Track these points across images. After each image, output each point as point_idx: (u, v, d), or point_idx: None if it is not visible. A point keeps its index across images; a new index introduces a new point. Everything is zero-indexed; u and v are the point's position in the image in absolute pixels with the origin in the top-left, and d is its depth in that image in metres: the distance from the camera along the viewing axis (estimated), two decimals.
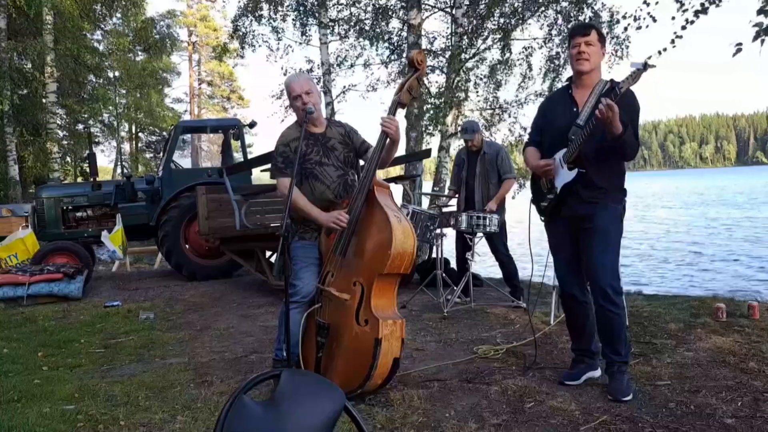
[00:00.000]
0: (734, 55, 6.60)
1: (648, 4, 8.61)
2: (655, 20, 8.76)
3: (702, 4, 7.69)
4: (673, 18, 7.80)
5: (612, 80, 3.56)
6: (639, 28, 9.24)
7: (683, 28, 7.76)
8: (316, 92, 3.93)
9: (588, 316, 3.90)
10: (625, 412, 3.37)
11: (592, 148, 3.51)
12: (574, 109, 3.65)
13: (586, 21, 11.45)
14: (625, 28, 11.45)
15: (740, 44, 6.55)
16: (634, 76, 3.22)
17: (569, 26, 11.64)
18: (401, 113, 3.81)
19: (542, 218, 3.97)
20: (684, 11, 7.77)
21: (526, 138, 13.16)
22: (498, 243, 6.55)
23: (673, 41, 8.01)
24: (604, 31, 11.76)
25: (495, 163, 6.53)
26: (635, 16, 9.13)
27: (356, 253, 3.71)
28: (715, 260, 15.86)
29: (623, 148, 3.45)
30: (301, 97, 3.83)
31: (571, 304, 3.94)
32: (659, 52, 8.01)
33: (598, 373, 3.93)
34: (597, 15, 11.66)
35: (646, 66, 3.21)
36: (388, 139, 3.68)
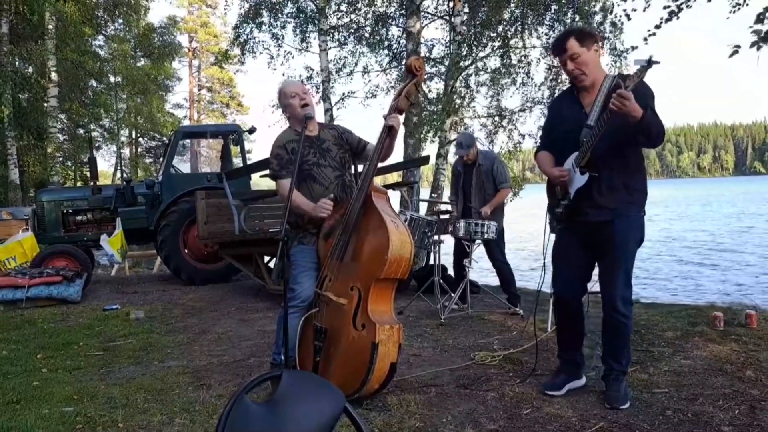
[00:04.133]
0: (730, 56, 6.66)
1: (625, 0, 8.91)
2: (629, 18, 9.12)
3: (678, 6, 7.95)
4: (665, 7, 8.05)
5: (620, 74, 3.43)
6: (614, 24, 9.55)
7: (657, 27, 8.09)
8: (310, 94, 3.99)
9: (577, 327, 3.88)
10: (622, 419, 3.38)
11: (605, 148, 3.39)
12: (582, 111, 3.55)
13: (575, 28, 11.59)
14: (601, 23, 11.60)
15: (738, 46, 6.60)
16: (639, 74, 3.11)
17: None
18: (400, 118, 3.83)
19: (556, 224, 3.88)
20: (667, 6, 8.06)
21: (523, 145, 13.23)
22: (495, 250, 6.58)
23: (645, 39, 8.38)
24: (607, 43, 11.87)
25: (491, 173, 6.56)
26: (611, 10, 9.50)
27: (354, 257, 3.73)
28: None
29: (649, 132, 3.27)
30: (298, 94, 3.88)
31: (565, 313, 3.88)
32: (631, 48, 9.13)
33: (582, 382, 3.90)
34: (588, 23, 11.74)
35: (650, 62, 3.09)
36: (389, 137, 3.72)
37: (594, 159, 3.43)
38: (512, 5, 12.03)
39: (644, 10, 8.72)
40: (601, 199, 3.52)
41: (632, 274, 3.64)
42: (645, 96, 3.30)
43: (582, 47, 3.46)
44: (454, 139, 11.97)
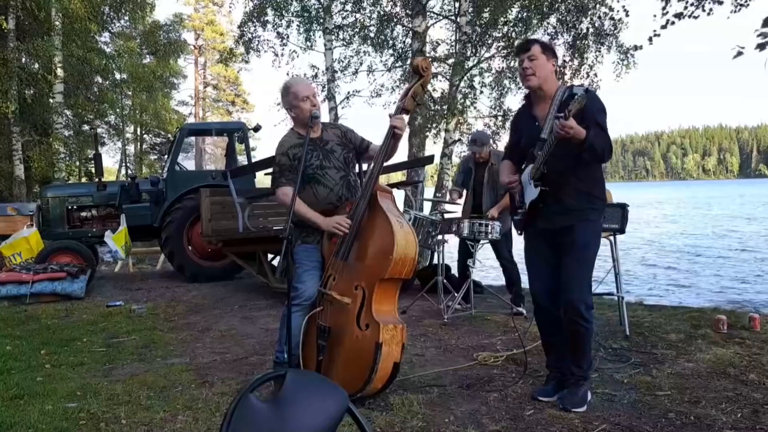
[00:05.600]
0: (734, 57, 6.63)
1: None
2: (627, 14, 9.19)
3: (684, 8, 7.96)
4: (654, 16, 8.14)
5: (572, 86, 3.54)
6: (614, 22, 9.65)
7: (663, 27, 8.15)
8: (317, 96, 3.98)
9: (560, 331, 3.83)
10: (625, 422, 3.38)
11: (561, 161, 3.47)
12: (536, 124, 3.65)
13: (581, 32, 11.60)
14: (599, 21, 11.57)
15: (742, 47, 6.57)
16: (579, 103, 3.21)
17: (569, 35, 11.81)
18: (405, 119, 3.83)
19: (518, 231, 3.95)
20: (665, 13, 8.12)
21: None
22: (502, 249, 6.57)
23: (650, 39, 8.61)
24: (611, 41, 11.86)
25: None
26: (610, 6, 9.54)
27: (358, 257, 3.73)
28: None
29: (594, 151, 3.37)
30: (309, 98, 3.86)
31: (546, 320, 3.86)
32: (635, 48, 9.39)
33: None
34: (593, 24, 11.72)
35: (587, 91, 3.28)
36: (393, 138, 3.73)
37: (549, 171, 3.51)
38: (516, 6, 12.00)
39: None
40: (566, 203, 3.58)
41: (591, 279, 3.68)
42: (593, 111, 3.41)
43: (543, 54, 3.60)
44: (458, 139, 12.01)
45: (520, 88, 12.99)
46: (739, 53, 6.63)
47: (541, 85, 3.62)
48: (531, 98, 3.78)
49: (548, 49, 3.67)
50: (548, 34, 12.45)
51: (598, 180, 3.69)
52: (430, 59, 4.91)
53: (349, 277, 3.71)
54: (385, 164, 3.93)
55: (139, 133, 28.83)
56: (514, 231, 4.00)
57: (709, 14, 7.95)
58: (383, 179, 4.16)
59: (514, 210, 3.90)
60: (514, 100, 15.67)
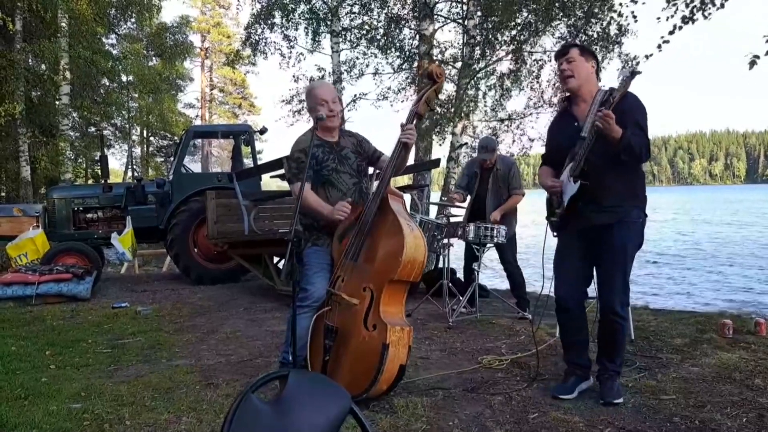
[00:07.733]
0: (750, 68, 6.60)
1: (636, 2, 9.00)
2: (636, 19, 9.28)
3: (691, 11, 7.89)
4: (658, 18, 8.09)
5: (611, 88, 3.59)
6: (621, 26, 9.56)
7: (670, 33, 8.07)
8: (339, 101, 4.01)
9: (581, 331, 3.92)
10: (629, 426, 3.37)
11: (600, 158, 3.53)
12: (575, 124, 3.70)
13: (594, 36, 11.57)
14: (606, 28, 11.49)
15: (756, 56, 6.55)
16: (624, 84, 3.38)
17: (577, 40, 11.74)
18: (413, 133, 3.87)
19: (554, 233, 3.97)
20: (670, 17, 8.04)
21: (531, 150, 13.27)
22: (507, 253, 6.57)
23: (659, 46, 8.37)
24: (617, 49, 11.85)
25: (507, 178, 6.55)
26: (619, 12, 9.48)
27: (367, 259, 3.73)
28: None
29: (631, 150, 3.43)
30: (327, 103, 3.90)
31: (566, 319, 3.92)
32: (646, 57, 8.77)
33: (590, 382, 3.93)
34: (604, 31, 11.68)
35: (633, 74, 3.40)
36: (403, 149, 3.75)
37: (588, 169, 3.56)
38: (524, 11, 11.97)
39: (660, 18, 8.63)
40: (605, 202, 3.63)
41: (629, 278, 3.73)
42: (633, 111, 3.52)
43: (581, 56, 3.71)
44: (464, 143, 12.00)
45: (522, 90, 13.02)
46: (753, 63, 6.62)
47: (581, 85, 3.71)
48: (571, 100, 3.84)
49: (586, 51, 3.77)
50: (559, 37, 12.43)
51: (639, 177, 3.74)
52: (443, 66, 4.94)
53: (358, 279, 3.72)
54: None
55: (145, 135, 28.93)
56: (550, 234, 4.01)
57: (706, 18, 7.94)
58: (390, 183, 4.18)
59: (551, 212, 3.93)
60: (519, 103, 15.67)
